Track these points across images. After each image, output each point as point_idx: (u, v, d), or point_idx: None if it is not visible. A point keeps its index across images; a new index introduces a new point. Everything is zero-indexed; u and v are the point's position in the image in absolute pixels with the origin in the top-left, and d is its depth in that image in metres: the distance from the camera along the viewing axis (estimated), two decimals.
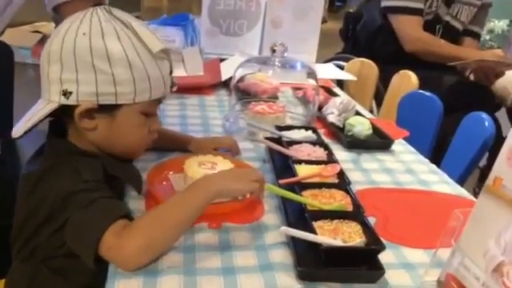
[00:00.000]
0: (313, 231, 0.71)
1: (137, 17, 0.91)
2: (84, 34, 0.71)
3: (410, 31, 2.01)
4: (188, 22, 1.87)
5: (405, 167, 1.10)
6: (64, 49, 0.71)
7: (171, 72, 0.80)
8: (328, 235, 0.72)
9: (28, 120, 0.73)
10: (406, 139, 1.28)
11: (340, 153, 1.13)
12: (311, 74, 1.34)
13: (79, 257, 0.70)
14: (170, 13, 2.36)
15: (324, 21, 2.06)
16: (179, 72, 1.62)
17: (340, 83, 1.99)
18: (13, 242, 0.79)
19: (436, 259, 0.71)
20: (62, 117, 0.77)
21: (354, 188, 0.94)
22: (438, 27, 2.07)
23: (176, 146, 1.06)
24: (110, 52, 0.71)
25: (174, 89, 0.83)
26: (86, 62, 0.71)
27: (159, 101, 0.81)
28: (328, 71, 1.92)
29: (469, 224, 0.66)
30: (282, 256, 0.73)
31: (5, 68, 1.51)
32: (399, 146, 1.22)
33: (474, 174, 1.85)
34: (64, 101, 0.73)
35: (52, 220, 0.70)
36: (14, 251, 0.80)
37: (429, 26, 2.04)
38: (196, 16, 1.99)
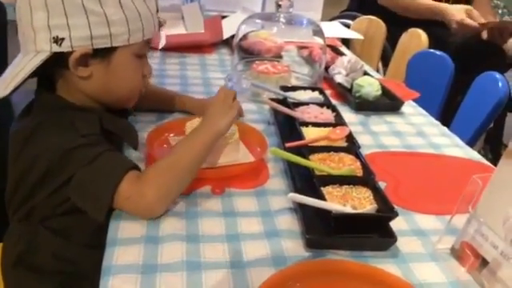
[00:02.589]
0: (321, 197, 0.68)
1: None
2: None
3: None
4: None
5: (415, 130, 1.06)
6: None
7: (158, 11, 0.78)
8: (337, 201, 0.68)
9: (15, 76, 0.68)
10: (415, 100, 1.23)
11: (348, 115, 1.08)
12: (318, 32, 1.27)
13: (78, 215, 0.68)
14: None
15: None
16: (179, 29, 1.56)
17: (346, 42, 1.91)
18: (8, 203, 0.77)
19: (450, 226, 0.68)
20: (50, 70, 0.72)
21: (363, 152, 0.90)
22: None
23: (172, 106, 1.01)
24: None
25: (162, 28, 0.80)
26: (75, 4, 0.67)
27: (148, 42, 0.78)
28: (334, 30, 1.85)
29: (488, 190, 0.62)
30: (288, 223, 0.70)
31: None
32: (409, 107, 1.18)
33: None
34: (56, 48, 0.68)
35: (50, 178, 0.67)
36: (10, 212, 0.77)
37: None
38: None
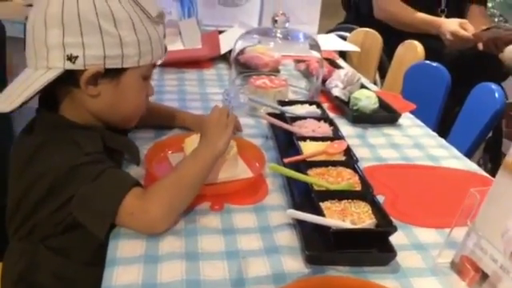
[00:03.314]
0: (320, 213, 0.68)
1: None
2: None
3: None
4: None
5: (413, 142, 1.06)
6: (66, 11, 0.68)
7: (165, 36, 0.81)
8: (336, 217, 0.68)
9: (23, 91, 0.68)
10: (412, 112, 1.24)
11: (345, 128, 1.09)
12: (314, 46, 1.28)
13: (79, 233, 0.69)
14: None
15: None
16: (176, 45, 1.57)
17: (342, 55, 1.93)
18: (8, 221, 0.77)
19: (450, 240, 0.68)
20: (55, 88, 0.73)
21: (361, 165, 0.90)
22: None
23: (172, 123, 1.02)
24: (116, 13, 0.70)
25: (166, 53, 0.83)
26: (91, 24, 0.69)
27: (155, 65, 0.81)
28: (330, 42, 1.86)
29: (486, 203, 0.62)
30: (288, 239, 0.70)
31: None
32: (406, 119, 1.18)
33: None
34: (70, 66, 0.69)
35: (53, 195, 0.68)
36: (11, 231, 0.78)
37: None
38: None
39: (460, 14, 2.02)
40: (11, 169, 0.73)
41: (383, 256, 0.65)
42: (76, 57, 0.69)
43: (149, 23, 0.74)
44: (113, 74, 0.73)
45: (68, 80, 0.71)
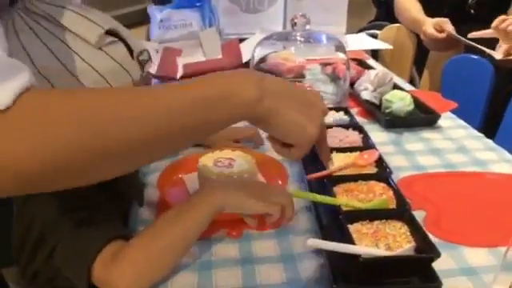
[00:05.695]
0: (348, 237, 0.59)
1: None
2: None
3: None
4: (204, 2, 1.74)
5: (456, 145, 0.95)
6: None
7: (132, 52, 0.63)
8: (368, 241, 0.59)
9: None
10: (454, 112, 1.12)
11: (378, 134, 0.99)
12: (340, 47, 1.19)
13: None
14: None
15: None
16: (197, 57, 1.52)
17: (374, 54, 1.82)
18: (16, 261, 0.73)
19: (506, 261, 0.57)
20: None
21: (397, 175, 0.81)
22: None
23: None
24: (39, 66, 0.55)
25: (149, 66, 0.66)
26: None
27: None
28: (360, 42, 1.76)
29: None
30: (313, 268, 0.61)
31: None
32: (447, 120, 1.07)
33: None
34: None
35: (44, 242, 0.63)
36: (20, 271, 0.74)
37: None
38: None
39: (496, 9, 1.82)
40: (14, 201, 0.69)
41: (426, 287, 0.56)
42: None
43: (92, 52, 0.58)
44: None
45: None
